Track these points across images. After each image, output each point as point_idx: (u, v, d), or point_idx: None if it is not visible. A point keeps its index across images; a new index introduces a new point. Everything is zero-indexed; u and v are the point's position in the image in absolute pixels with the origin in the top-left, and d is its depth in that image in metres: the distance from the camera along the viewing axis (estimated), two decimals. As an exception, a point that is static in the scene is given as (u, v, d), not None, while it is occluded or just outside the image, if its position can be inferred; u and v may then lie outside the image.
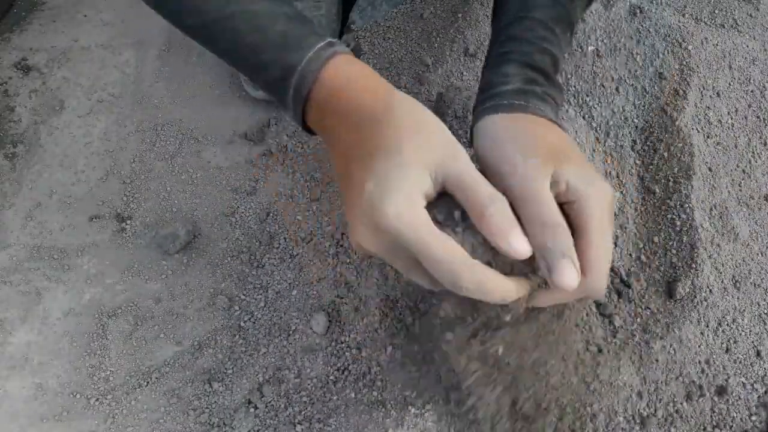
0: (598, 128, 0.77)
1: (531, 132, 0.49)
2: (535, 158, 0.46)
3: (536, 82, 0.55)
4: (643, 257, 0.72)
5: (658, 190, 0.74)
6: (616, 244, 0.72)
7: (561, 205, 0.45)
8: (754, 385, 0.65)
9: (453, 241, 0.43)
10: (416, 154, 0.43)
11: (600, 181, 0.46)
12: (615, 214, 0.73)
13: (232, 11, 0.51)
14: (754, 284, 0.70)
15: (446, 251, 0.42)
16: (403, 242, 0.43)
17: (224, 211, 0.83)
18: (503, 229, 0.42)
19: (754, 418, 0.64)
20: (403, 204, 0.42)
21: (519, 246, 0.42)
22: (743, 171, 0.76)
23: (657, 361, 0.66)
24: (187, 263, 0.79)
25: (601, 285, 0.45)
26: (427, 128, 0.46)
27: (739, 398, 0.64)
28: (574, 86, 0.79)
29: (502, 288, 0.43)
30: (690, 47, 0.79)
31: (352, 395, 0.67)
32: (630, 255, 0.72)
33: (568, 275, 0.42)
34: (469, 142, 0.57)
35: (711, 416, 0.64)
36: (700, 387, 0.65)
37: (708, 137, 0.76)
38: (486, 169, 0.49)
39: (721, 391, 0.65)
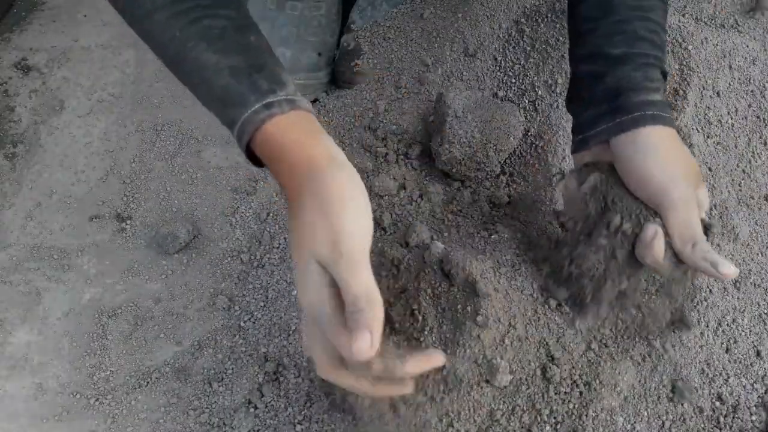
0: (598, 128, 0.77)
1: (681, 151, 0.57)
2: (688, 182, 0.55)
3: (666, 92, 0.60)
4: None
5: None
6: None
7: None
8: (754, 385, 0.65)
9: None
10: (308, 255, 0.47)
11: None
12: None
13: (184, 57, 0.52)
14: (754, 284, 0.70)
15: (336, 340, 0.47)
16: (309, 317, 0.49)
17: (224, 211, 0.83)
18: (355, 330, 0.46)
19: (754, 418, 0.64)
20: (307, 296, 0.48)
21: (359, 347, 0.45)
22: (743, 171, 0.76)
23: (657, 361, 0.66)
24: (187, 263, 0.79)
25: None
26: (323, 222, 0.47)
27: (739, 398, 0.64)
28: (574, 86, 0.79)
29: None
30: (690, 47, 0.79)
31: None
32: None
33: (728, 268, 0.54)
34: (580, 141, 0.61)
35: (711, 416, 0.64)
36: (701, 387, 0.65)
37: (708, 137, 0.76)
38: (635, 178, 0.56)
39: (722, 392, 0.65)
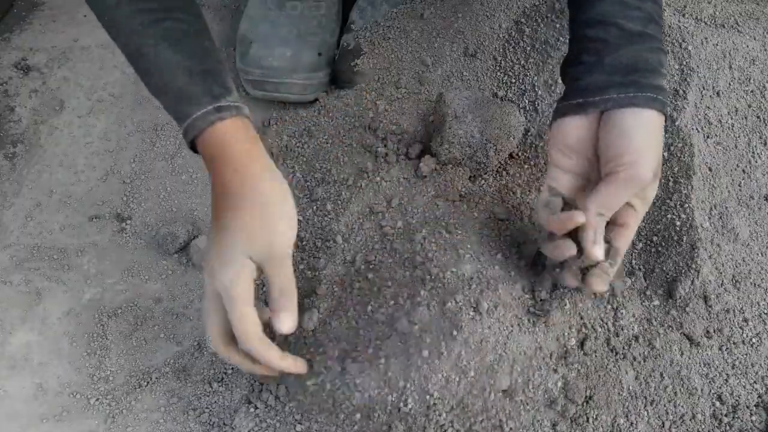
0: (598, 128, 0.77)
1: (661, 142, 0.59)
2: (653, 172, 0.58)
3: (666, 79, 0.60)
4: (643, 257, 0.72)
5: (658, 190, 0.74)
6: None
7: None
8: (754, 385, 0.65)
9: (252, 316, 0.56)
10: (241, 251, 0.56)
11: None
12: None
13: (145, 52, 0.57)
14: (754, 284, 0.70)
15: (241, 321, 0.56)
16: (224, 300, 0.56)
17: (224, 211, 0.82)
18: (280, 311, 0.58)
19: (754, 418, 0.64)
20: (229, 279, 0.55)
21: (285, 325, 0.58)
22: (743, 171, 0.76)
23: (657, 361, 0.66)
24: (187, 263, 0.79)
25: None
26: (261, 224, 0.56)
27: (739, 398, 0.64)
28: (574, 86, 0.79)
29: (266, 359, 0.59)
30: (690, 47, 0.79)
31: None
32: (630, 254, 0.72)
33: (598, 249, 0.59)
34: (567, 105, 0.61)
35: (711, 416, 0.64)
36: (700, 388, 0.65)
37: (708, 137, 0.76)
38: (616, 149, 0.57)
39: (722, 392, 0.65)
